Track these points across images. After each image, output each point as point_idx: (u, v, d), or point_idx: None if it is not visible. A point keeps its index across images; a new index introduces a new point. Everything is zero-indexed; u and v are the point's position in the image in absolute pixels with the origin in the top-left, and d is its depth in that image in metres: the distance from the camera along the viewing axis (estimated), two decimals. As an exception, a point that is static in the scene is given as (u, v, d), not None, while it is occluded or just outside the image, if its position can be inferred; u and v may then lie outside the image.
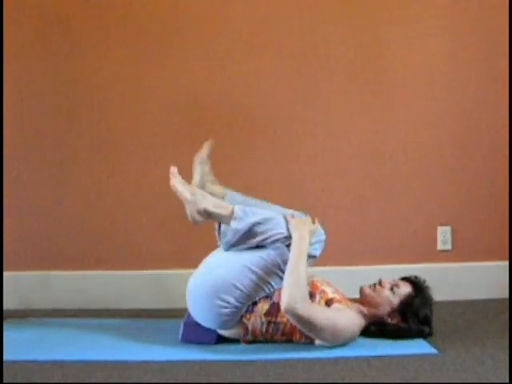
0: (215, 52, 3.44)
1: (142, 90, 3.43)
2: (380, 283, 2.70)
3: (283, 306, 2.47)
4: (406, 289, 2.69)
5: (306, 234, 2.61)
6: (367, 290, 2.70)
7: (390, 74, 3.50)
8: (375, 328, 2.67)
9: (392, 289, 2.68)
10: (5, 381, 2.15)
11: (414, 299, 2.66)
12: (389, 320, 2.66)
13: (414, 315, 2.64)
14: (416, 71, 3.50)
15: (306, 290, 2.51)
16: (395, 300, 2.66)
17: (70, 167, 3.43)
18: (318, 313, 2.51)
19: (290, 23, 3.45)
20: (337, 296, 2.65)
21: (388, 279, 2.73)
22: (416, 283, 2.72)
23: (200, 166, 2.90)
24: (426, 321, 2.66)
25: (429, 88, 3.51)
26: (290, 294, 2.47)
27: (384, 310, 2.66)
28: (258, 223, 2.62)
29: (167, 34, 3.43)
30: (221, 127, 3.38)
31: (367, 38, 3.48)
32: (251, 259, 2.60)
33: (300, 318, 2.47)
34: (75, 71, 3.42)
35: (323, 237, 2.71)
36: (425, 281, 2.74)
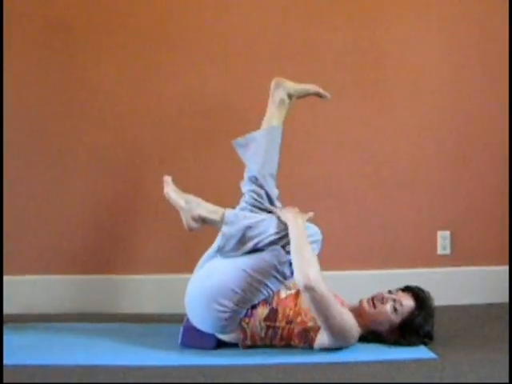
0: (216, 56, 3.45)
1: (143, 94, 3.44)
2: (381, 299, 2.65)
3: (302, 283, 2.47)
4: (408, 305, 2.63)
5: (299, 217, 2.65)
6: (367, 307, 2.65)
7: (390, 79, 3.51)
8: (373, 337, 2.67)
9: (394, 307, 2.62)
10: (4, 385, 2.16)
11: (417, 318, 2.61)
12: (388, 337, 2.65)
13: (415, 332, 2.62)
14: (416, 76, 3.51)
15: (318, 266, 2.52)
16: (397, 319, 2.62)
17: (71, 171, 3.43)
18: (331, 295, 2.51)
19: (288, 28, 3.46)
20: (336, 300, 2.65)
21: (389, 294, 2.66)
22: (419, 297, 2.66)
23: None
24: (428, 336, 2.64)
25: (428, 92, 3.52)
26: (307, 271, 2.48)
27: (383, 327, 2.65)
28: (249, 227, 2.64)
29: (168, 39, 3.44)
30: (220, 131, 3.38)
31: (366, 42, 3.48)
32: (247, 262, 2.61)
33: (317, 296, 2.46)
34: (76, 75, 3.42)
35: (320, 237, 2.71)
36: (428, 294, 2.69)
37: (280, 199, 2.89)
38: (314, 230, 2.70)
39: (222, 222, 2.65)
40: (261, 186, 2.81)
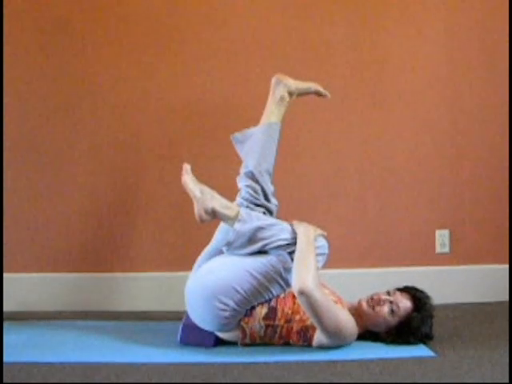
0: (215, 54, 3.45)
1: (142, 92, 3.43)
2: (378, 302, 2.64)
3: (297, 286, 2.48)
4: (405, 306, 2.64)
5: (311, 229, 2.65)
6: (366, 308, 2.66)
7: (389, 79, 3.51)
8: (370, 336, 2.67)
9: (391, 309, 2.62)
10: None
11: (414, 320, 2.61)
12: (385, 337, 2.65)
13: (411, 334, 2.62)
14: (415, 76, 3.51)
15: (318, 276, 2.53)
16: (394, 321, 2.63)
17: (69, 169, 3.43)
18: (325, 299, 2.51)
19: (288, 27, 3.46)
20: (333, 298, 2.66)
21: (386, 295, 2.66)
22: (416, 299, 2.66)
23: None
24: (426, 337, 2.64)
25: (427, 92, 3.52)
26: (305, 277, 2.49)
27: (380, 328, 2.66)
28: (261, 228, 2.64)
29: (167, 37, 3.44)
30: (220, 130, 3.38)
31: (366, 42, 3.48)
32: (253, 264, 2.61)
33: (311, 301, 2.47)
34: (75, 73, 3.42)
35: (327, 251, 2.70)
36: (427, 296, 2.68)
37: (276, 195, 2.90)
38: (323, 243, 2.69)
39: (234, 218, 2.64)
40: (257, 182, 2.83)
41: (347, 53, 3.48)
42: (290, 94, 2.94)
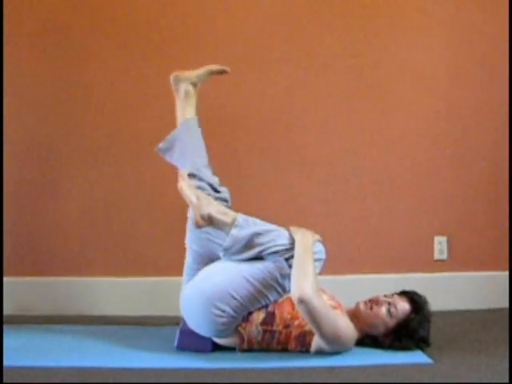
0: (214, 60, 3.44)
1: (140, 95, 3.44)
2: (377, 302, 2.66)
3: (297, 294, 2.48)
4: (403, 308, 2.64)
5: (309, 235, 2.65)
6: (363, 309, 2.66)
7: (387, 84, 3.51)
8: (369, 340, 2.67)
9: (389, 310, 2.63)
10: (-1, 387, 2.15)
11: (412, 321, 2.62)
12: (383, 340, 2.65)
13: (409, 337, 2.62)
14: (413, 81, 3.51)
15: (317, 282, 2.53)
16: (391, 322, 2.63)
17: (67, 172, 3.43)
18: (323, 306, 2.51)
19: (288, 33, 3.47)
20: (332, 303, 2.65)
21: (385, 297, 2.67)
22: (414, 302, 2.66)
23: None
24: (423, 340, 2.64)
25: (426, 98, 3.52)
26: (304, 284, 2.49)
27: (378, 331, 2.65)
28: (258, 234, 2.63)
29: (166, 41, 3.45)
30: (218, 136, 3.38)
31: (366, 48, 3.49)
32: (250, 270, 2.60)
33: (309, 308, 2.47)
34: (74, 77, 3.43)
35: (324, 256, 2.69)
36: (425, 300, 2.69)
37: (222, 183, 2.89)
38: (320, 248, 2.68)
39: (231, 224, 2.64)
40: (200, 180, 2.83)
41: (347, 59, 3.48)
42: (194, 84, 2.94)
